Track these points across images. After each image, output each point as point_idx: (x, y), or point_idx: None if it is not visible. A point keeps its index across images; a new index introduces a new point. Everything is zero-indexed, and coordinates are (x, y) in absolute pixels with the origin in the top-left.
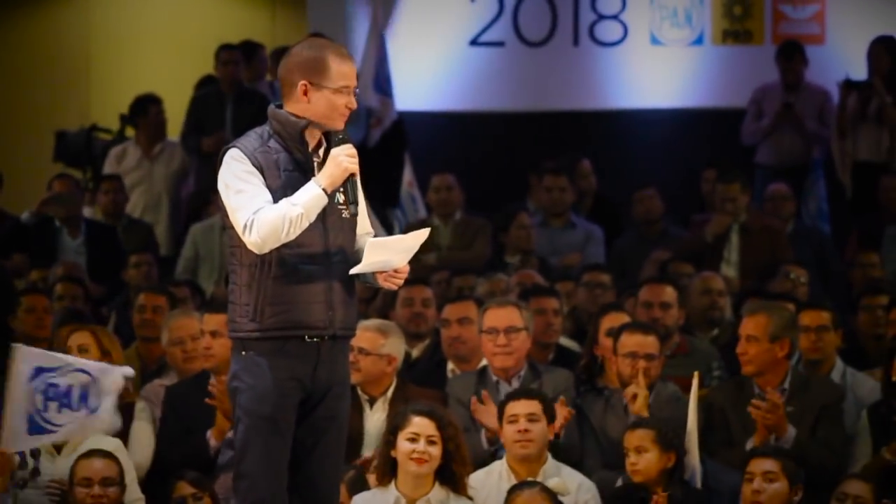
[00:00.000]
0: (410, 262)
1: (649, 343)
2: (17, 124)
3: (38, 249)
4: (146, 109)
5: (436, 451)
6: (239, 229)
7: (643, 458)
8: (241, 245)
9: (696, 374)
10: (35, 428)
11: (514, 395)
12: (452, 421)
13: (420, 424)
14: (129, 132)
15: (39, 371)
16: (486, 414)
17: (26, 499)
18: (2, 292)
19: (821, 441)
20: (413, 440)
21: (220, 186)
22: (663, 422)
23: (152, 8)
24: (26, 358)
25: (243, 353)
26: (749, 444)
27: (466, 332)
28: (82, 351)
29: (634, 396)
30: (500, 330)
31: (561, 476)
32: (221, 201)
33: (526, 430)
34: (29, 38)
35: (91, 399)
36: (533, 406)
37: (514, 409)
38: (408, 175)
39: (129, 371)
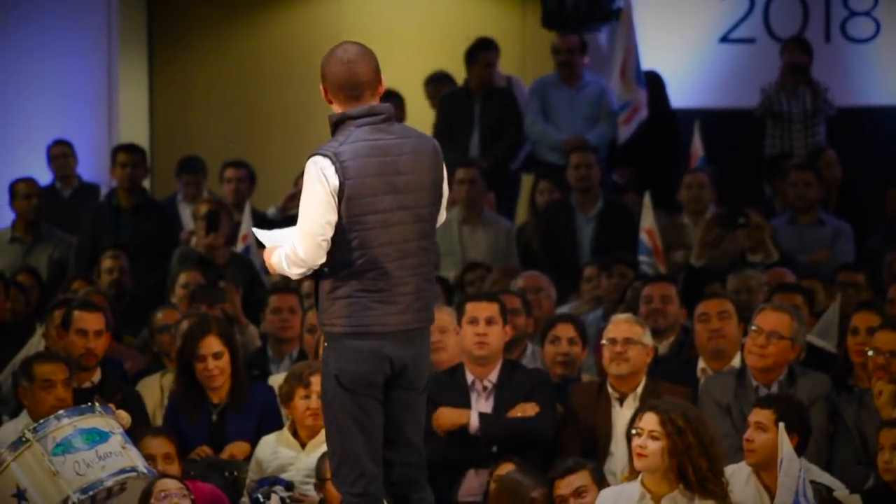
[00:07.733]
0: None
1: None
2: (270, 122)
3: None
4: None
5: (656, 446)
6: None
7: None
8: None
9: None
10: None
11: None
12: (685, 420)
13: (645, 419)
14: None
15: None
16: None
17: None
18: (251, 288)
19: None
20: (638, 434)
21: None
22: None
23: (403, 5)
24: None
25: None
26: None
27: (727, 327)
28: None
29: (880, 393)
30: (764, 330)
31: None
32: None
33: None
34: (282, 37)
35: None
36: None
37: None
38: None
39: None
